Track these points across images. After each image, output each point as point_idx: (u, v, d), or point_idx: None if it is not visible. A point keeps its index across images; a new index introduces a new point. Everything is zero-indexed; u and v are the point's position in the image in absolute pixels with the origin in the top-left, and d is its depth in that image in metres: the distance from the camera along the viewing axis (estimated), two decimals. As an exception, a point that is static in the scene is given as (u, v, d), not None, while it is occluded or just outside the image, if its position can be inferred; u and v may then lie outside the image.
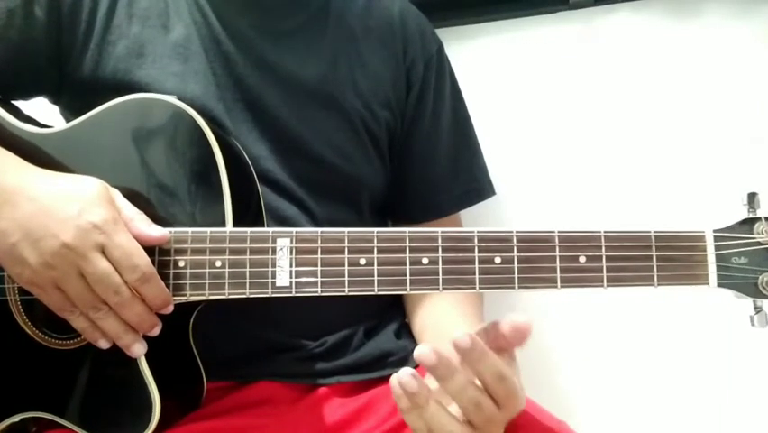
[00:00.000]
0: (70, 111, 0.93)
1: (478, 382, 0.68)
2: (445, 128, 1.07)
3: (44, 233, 0.73)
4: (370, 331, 0.99)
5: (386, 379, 0.94)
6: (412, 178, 1.06)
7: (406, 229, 0.76)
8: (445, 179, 1.07)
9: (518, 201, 1.22)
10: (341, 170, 0.97)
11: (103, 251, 0.74)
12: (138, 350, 0.77)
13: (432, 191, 1.06)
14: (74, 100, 0.93)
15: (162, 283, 0.76)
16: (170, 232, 0.78)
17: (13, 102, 0.94)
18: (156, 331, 0.78)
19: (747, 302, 0.73)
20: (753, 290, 0.72)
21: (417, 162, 1.06)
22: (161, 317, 0.78)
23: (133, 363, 0.79)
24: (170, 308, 0.78)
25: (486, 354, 0.66)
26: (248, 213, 0.85)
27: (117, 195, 0.78)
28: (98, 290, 0.74)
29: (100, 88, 0.89)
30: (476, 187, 1.10)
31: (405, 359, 0.97)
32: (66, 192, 0.76)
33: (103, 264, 0.73)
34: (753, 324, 0.73)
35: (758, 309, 0.73)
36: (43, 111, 0.96)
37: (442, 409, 0.68)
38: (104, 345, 0.78)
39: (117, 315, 0.76)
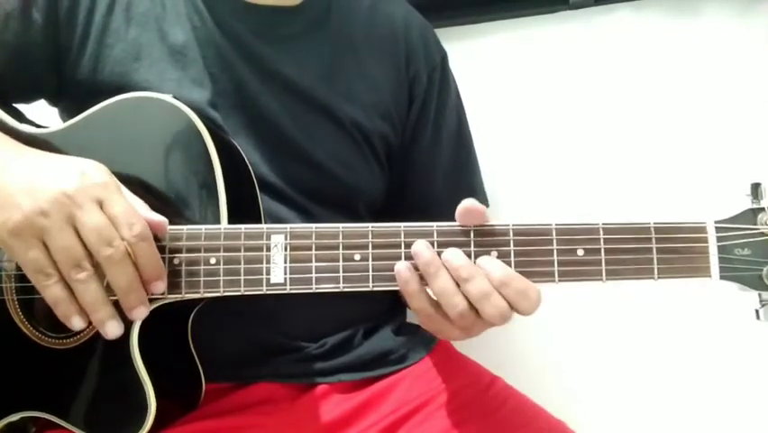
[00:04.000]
0: (69, 113, 0.90)
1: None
2: (446, 142, 1.04)
3: (45, 182, 0.70)
4: (369, 332, 0.96)
5: (385, 376, 0.92)
6: (411, 188, 1.04)
7: (401, 224, 0.73)
8: (444, 190, 1.04)
9: (518, 200, 1.20)
10: (339, 177, 0.94)
11: (101, 206, 0.70)
12: (113, 329, 0.71)
13: (430, 203, 1.03)
14: (72, 102, 0.90)
15: (157, 251, 0.72)
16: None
17: (14, 105, 0.92)
18: (142, 313, 0.72)
19: (752, 295, 0.70)
20: (757, 283, 0.69)
21: (417, 173, 1.03)
22: (161, 318, 0.75)
23: (129, 362, 0.75)
24: (162, 286, 0.73)
25: (473, 275, 0.70)
26: (245, 211, 0.82)
27: (119, 183, 0.75)
28: (91, 239, 0.69)
29: (98, 91, 0.86)
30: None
31: (405, 356, 0.95)
32: (71, 160, 0.74)
33: (99, 215, 0.69)
34: (758, 317, 0.70)
35: (764, 303, 0.69)
36: (44, 113, 0.94)
37: (454, 283, 0.70)
38: (77, 323, 0.71)
39: (99, 281, 0.70)
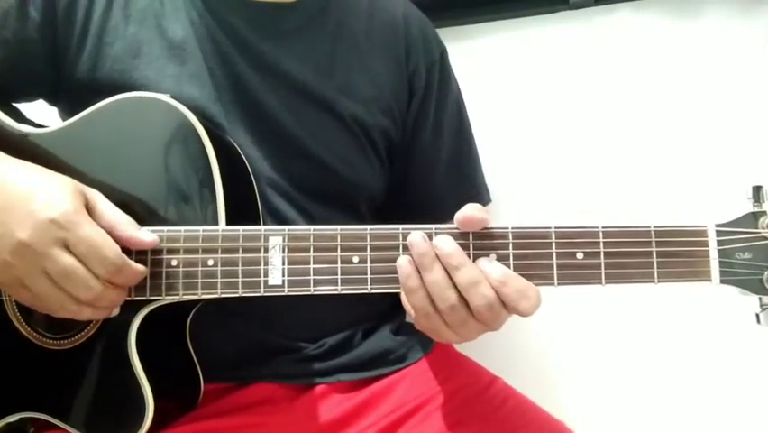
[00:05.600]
0: (68, 112, 0.89)
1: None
2: (447, 136, 1.03)
3: (3, 230, 0.68)
4: (368, 332, 0.95)
5: (384, 376, 0.92)
6: (412, 182, 1.02)
7: (400, 226, 0.72)
8: (445, 186, 1.03)
9: (518, 200, 1.18)
10: (339, 173, 0.93)
11: (67, 247, 0.68)
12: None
13: (431, 198, 1.02)
14: (71, 101, 0.88)
15: (136, 266, 0.72)
16: (164, 231, 0.74)
17: (13, 104, 0.90)
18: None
19: (752, 299, 0.69)
20: (758, 287, 0.68)
21: (418, 167, 1.02)
22: (160, 319, 0.75)
23: (128, 362, 0.75)
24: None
25: (463, 264, 0.68)
26: (244, 212, 0.81)
27: (101, 199, 0.74)
28: (65, 287, 0.69)
29: (97, 89, 0.84)
30: (474, 195, 1.05)
31: (404, 356, 0.94)
32: (29, 188, 0.70)
33: (66, 260, 0.68)
34: (758, 321, 0.69)
35: (764, 307, 0.68)
36: (44, 113, 0.93)
37: (447, 276, 0.68)
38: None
39: (92, 306, 0.71)
